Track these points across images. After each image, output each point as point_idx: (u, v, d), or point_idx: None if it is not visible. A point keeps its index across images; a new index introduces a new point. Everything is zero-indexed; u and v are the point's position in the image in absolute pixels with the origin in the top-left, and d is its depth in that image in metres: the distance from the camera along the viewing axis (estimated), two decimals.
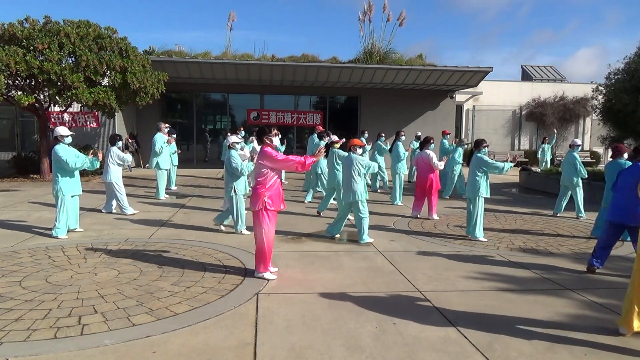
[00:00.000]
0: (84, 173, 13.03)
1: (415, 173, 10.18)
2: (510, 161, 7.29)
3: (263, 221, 5.03)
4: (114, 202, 8.96)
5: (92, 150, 7.45)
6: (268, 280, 5.03)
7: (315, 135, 12.38)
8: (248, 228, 7.16)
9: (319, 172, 10.10)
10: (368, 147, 12.03)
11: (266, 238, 5.04)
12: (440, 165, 8.98)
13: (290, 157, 5.09)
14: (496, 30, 78.95)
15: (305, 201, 10.54)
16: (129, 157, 8.89)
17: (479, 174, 7.15)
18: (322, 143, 10.55)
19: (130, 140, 16.47)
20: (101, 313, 4.07)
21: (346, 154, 7.22)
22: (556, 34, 73.28)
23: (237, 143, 7.38)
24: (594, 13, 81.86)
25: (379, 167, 12.22)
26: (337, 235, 7.24)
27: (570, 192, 9.25)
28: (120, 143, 8.96)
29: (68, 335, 3.63)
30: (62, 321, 3.89)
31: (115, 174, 8.69)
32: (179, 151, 12.91)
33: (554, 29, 74.91)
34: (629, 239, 6.62)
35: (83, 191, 7.46)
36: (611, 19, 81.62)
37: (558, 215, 9.39)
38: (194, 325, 3.87)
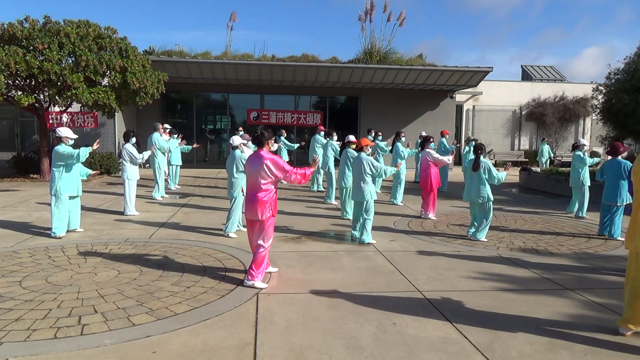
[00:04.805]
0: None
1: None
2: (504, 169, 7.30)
3: (271, 228, 4.99)
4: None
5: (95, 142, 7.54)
6: (260, 288, 4.82)
7: (318, 135, 12.40)
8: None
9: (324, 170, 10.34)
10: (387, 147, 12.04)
11: (269, 245, 5.04)
12: (448, 158, 9.04)
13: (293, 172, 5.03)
14: (504, 30, 79.02)
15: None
16: (139, 155, 8.63)
17: (482, 177, 7.11)
18: (330, 144, 10.62)
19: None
20: (101, 313, 4.07)
21: (357, 154, 7.16)
22: (564, 34, 73.26)
23: (244, 144, 7.32)
24: (603, 13, 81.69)
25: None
26: (357, 235, 7.00)
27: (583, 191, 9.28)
28: (134, 139, 8.72)
29: (68, 335, 3.63)
30: (62, 321, 3.89)
31: (128, 172, 8.59)
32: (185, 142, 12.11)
33: (563, 29, 74.88)
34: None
35: (83, 191, 7.44)
36: (621, 19, 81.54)
37: (579, 215, 9.34)
38: (194, 325, 3.87)
